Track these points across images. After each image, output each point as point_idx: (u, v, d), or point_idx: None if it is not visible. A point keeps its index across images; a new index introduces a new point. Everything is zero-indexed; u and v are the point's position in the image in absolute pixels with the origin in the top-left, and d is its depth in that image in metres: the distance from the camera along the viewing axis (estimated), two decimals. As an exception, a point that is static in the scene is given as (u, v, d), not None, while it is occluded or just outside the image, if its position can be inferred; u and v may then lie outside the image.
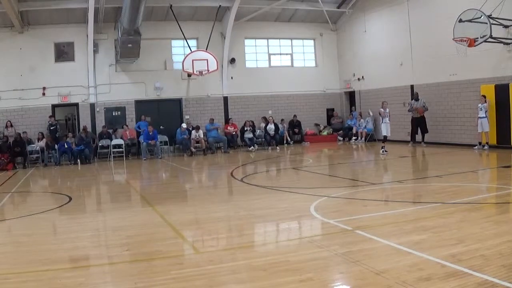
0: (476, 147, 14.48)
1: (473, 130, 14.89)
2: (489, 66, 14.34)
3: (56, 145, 16.61)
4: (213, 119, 19.26)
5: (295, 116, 20.84)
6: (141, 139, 17.60)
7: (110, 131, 18.21)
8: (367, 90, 20.43)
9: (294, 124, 20.79)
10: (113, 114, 19.02)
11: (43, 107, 18.00)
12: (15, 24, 16.97)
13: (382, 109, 15.07)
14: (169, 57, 20.00)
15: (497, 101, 14.04)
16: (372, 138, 19.66)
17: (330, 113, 22.07)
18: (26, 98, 17.77)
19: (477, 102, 14.63)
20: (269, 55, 21.60)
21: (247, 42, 21.17)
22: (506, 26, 13.32)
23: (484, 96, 14.08)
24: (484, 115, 14.01)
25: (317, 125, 21.74)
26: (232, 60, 20.49)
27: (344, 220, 6.25)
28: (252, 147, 18.77)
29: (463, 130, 15.59)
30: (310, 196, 8.21)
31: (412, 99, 16.90)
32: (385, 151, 14.48)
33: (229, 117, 20.14)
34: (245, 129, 19.33)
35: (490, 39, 12.85)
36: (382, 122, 15.11)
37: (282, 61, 21.78)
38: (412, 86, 17.71)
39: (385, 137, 15.07)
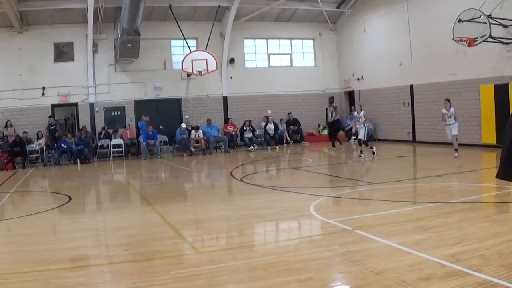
0: (456, 154, 12.62)
1: (472, 130, 14.89)
2: (488, 66, 14.33)
3: (55, 145, 16.60)
4: (210, 120, 19.24)
5: (290, 113, 20.77)
6: (141, 139, 17.60)
7: (110, 131, 18.19)
8: (366, 90, 20.42)
9: (291, 122, 20.73)
10: (113, 114, 19.00)
11: (42, 107, 17.99)
12: (14, 24, 16.94)
13: (355, 113, 14.05)
14: (168, 57, 19.98)
15: (497, 101, 14.02)
16: (371, 138, 19.63)
17: (329, 113, 22.04)
18: (25, 98, 17.75)
19: (477, 102, 14.62)
20: (269, 55, 21.58)
21: (247, 42, 21.16)
22: (505, 26, 13.32)
23: (448, 100, 12.63)
24: (454, 121, 12.47)
25: (322, 126, 21.69)
26: (232, 60, 20.47)
27: (344, 220, 6.25)
28: (252, 147, 18.76)
29: (463, 130, 15.54)
30: (310, 196, 8.21)
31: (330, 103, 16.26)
32: (360, 155, 13.55)
33: (229, 117, 20.14)
34: (245, 128, 19.32)
35: (489, 39, 12.85)
36: (364, 125, 13.64)
37: (281, 61, 21.76)
38: (411, 86, 17.72)
39: (359, 140, 13.83)
